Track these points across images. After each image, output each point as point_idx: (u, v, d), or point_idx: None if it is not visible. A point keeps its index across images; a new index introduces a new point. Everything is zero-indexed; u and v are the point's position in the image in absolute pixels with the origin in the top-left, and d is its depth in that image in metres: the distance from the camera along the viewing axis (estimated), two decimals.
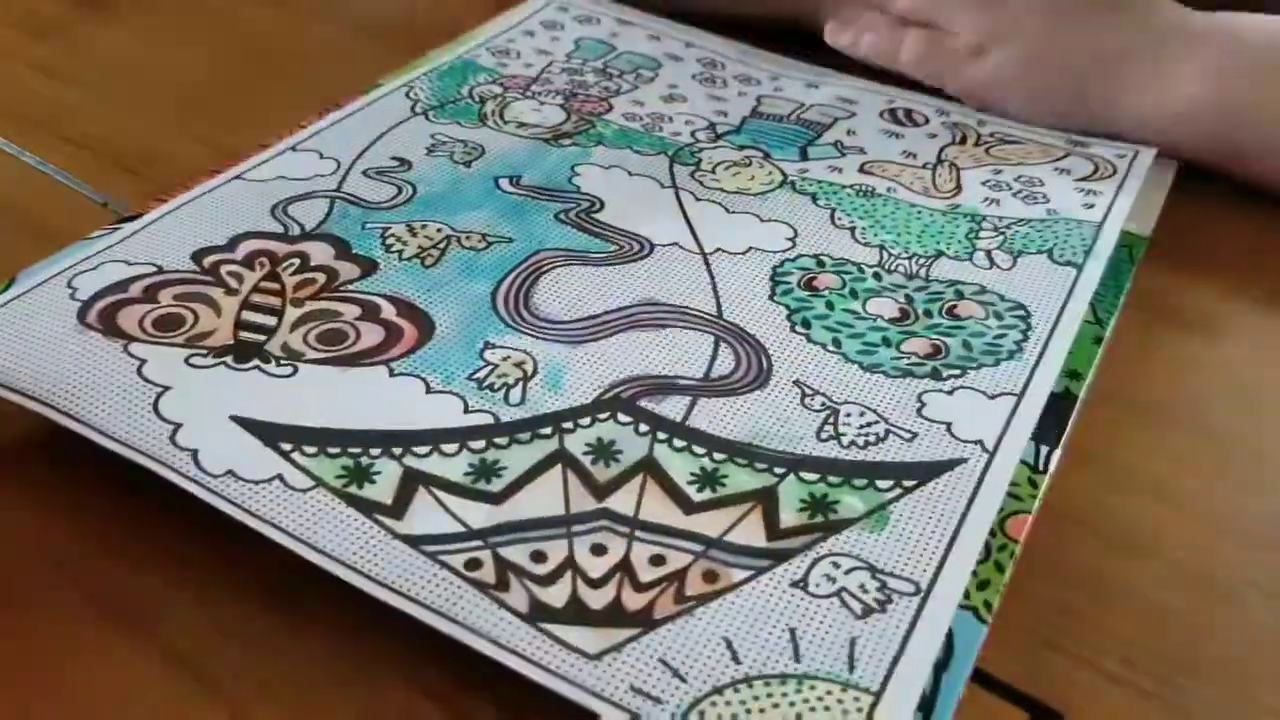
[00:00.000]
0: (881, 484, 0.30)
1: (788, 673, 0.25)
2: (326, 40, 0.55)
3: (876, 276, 0.38)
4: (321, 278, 0.36)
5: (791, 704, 0.25)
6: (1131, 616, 0.28)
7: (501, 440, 0.31)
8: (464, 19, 0.54)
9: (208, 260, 0.37)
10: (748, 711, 0.24)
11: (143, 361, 0.32)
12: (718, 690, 0.25)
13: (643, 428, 0.31)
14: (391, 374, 0.33)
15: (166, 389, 0.32)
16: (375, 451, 0.30)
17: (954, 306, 0.36)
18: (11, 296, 0.35)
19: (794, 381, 0.33)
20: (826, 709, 0.24)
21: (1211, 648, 0.28)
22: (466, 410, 0.31)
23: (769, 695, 0.25)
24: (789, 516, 0.29)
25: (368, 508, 0.28)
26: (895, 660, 0.25)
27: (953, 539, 0.28)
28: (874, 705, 0.25)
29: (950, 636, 0.26)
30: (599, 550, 0.28)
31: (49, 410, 0.31)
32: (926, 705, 0.25)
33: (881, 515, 0.29)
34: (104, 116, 0.48)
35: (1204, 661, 0.27)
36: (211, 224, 0.39)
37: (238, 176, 0.41)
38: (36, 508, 0.30)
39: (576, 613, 0.26)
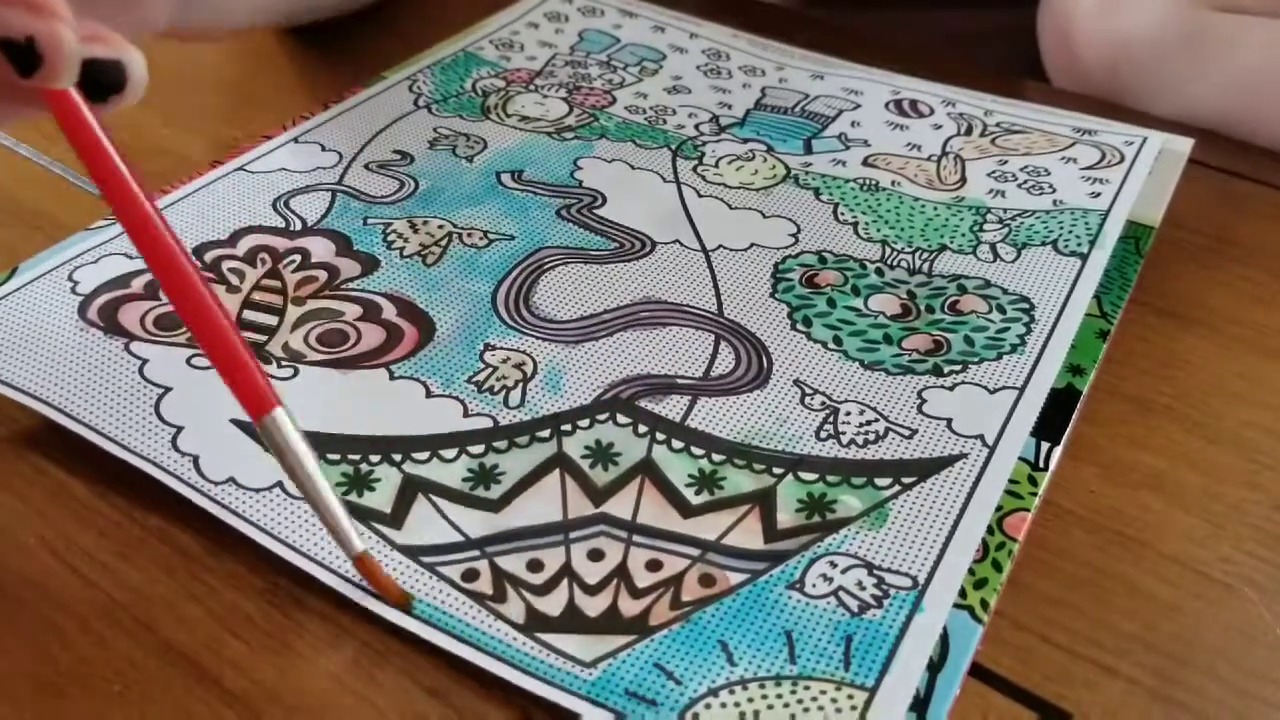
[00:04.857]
0: (880, 482, 0.30)
1: (783, 674, 0.25)
2: (325, 32, 0.55)
3: (879, 272, 0.37)
4: (323, 275, 0.36)
5: (786, 705, 0.25)
6: (1130, 612, 0.28)
7: (500, 444, 0.31)
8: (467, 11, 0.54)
9: (209, 256, 0.37)
10: (742, 714, 0.24)
11: (144, 361, 0.33)
12: (713, 692, 0.25)
13: (641, 428, 0.31)
14: (392, 377, 0.33)
15: (168, 390, 0.32)
16: (375, 458, 0.30)
17: (956, 301, 0.36)
18: (12, 289, 0.35)
19: (794, 381, 0.33)
20: (821, 709, 0.25)
21: (1210, 643, 0.28)
22: (466, 414, 0.32)
23: (764, 697, 0.25)
24: (786, 517, 0.29)
25: (366, 516, 0.29)
26: (890, 655, 0.26)
27: (951, 533, 0.28)
28: (868, 702, 0.25)
29: (946, 635, 0.26)
30: (596, 556, 0.28)
31: (50, 410, 0.31)
32: (921, 705, 0.25)
33: (880, 513, 0.29)
34: None
35: (1202, 656, 0.27)
36: (213, 217, 0.39)
37: (240, 168, 0.41)
38: (35, 503, 0.30)
39: (573, 620, 0.26)
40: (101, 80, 0.25)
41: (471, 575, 0.27)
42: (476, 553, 0.28)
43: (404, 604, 0.26)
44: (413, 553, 0.28)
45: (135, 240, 0.25)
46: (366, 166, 0.42)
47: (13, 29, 0.22)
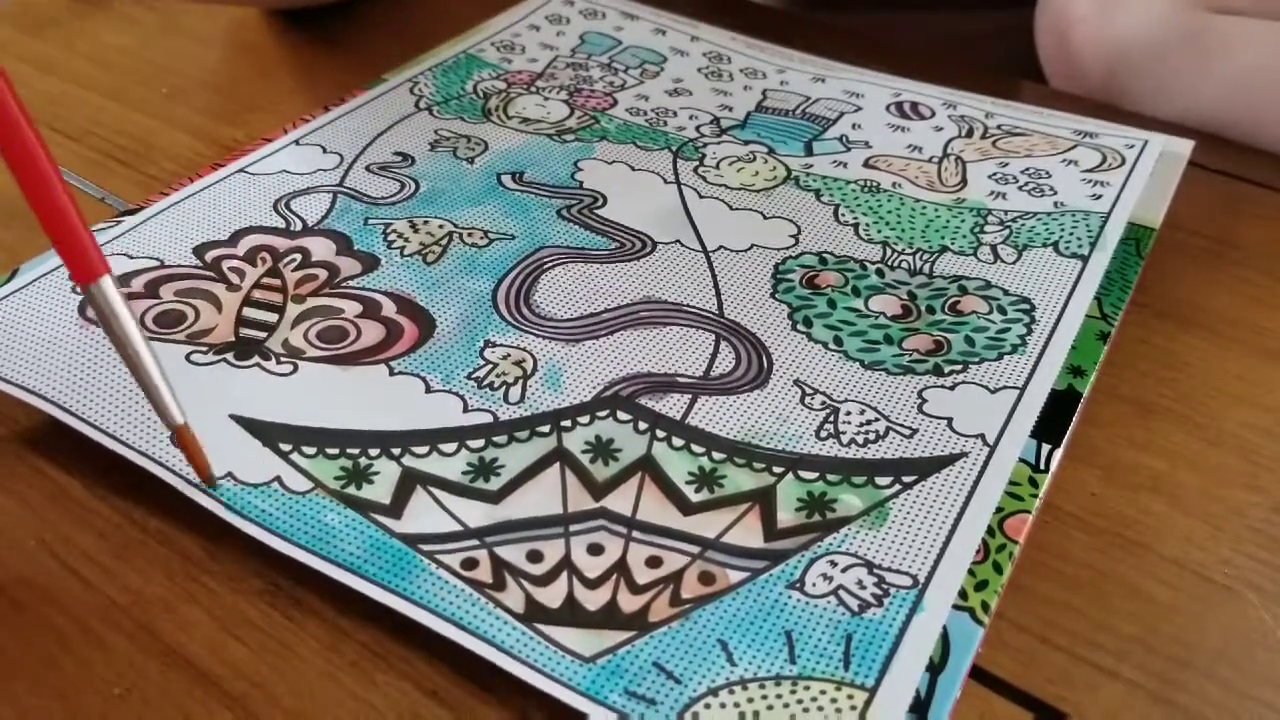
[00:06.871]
0: (880, 480, 0.30)
1: (783, 674, 0.25)
2: (326, 34, 0.55)
3: (879, 273, 0.37)
4: (323, 274, 0.36)
5: (786, 705, 0.25)
6: (1131, 614, 0.28)
7: (500, 439, 0.31)
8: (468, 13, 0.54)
9: (210, 255, 0.37)
10: (741, 715, 0.24)
11: None
12: (713, 692, 0.25)
13: (641, 425, 0.31)
14: (391, 373, 0.33)
15: None
16: (374, 452, 0.30)
17: (957, 302, 0.36)
18: (13, 289, 0.35)
19: (794, 380, 0.33)
20: (820, 709, 0.24)
21: (1211, 646, 0.28)
22: (466, 410, 0.32)
23: (764, 697, 0.25)
24: (786, 516, 0.29)
25: (365, 507, 0.29)
26: (891, 654, 0.25)
27: (952, 532, 0.28)
28: (868, 702, 0.25)
29: (947, 637, 0.26)
30: (596, 550, 0.28)
31: (49, 406, 0.31)
32: (922, 707, 0.25)
33: (880, 512, 0.29)
34: (99, 110, 0.48)
35: (1203, 659, 0.27)
36: (214, 218, 0.39)
37: (241, 170, 0.41)
38: (34, 504, 0.30)
39: (572, 614, 0.26)
40: None
41: (471, 564, 0.27)
42: (476, 542, 0.28)
43: (209, 482, 0.28)
44: (412, 541, 0.28)
45: None
46: (367, 168, 0.42)
47: None
